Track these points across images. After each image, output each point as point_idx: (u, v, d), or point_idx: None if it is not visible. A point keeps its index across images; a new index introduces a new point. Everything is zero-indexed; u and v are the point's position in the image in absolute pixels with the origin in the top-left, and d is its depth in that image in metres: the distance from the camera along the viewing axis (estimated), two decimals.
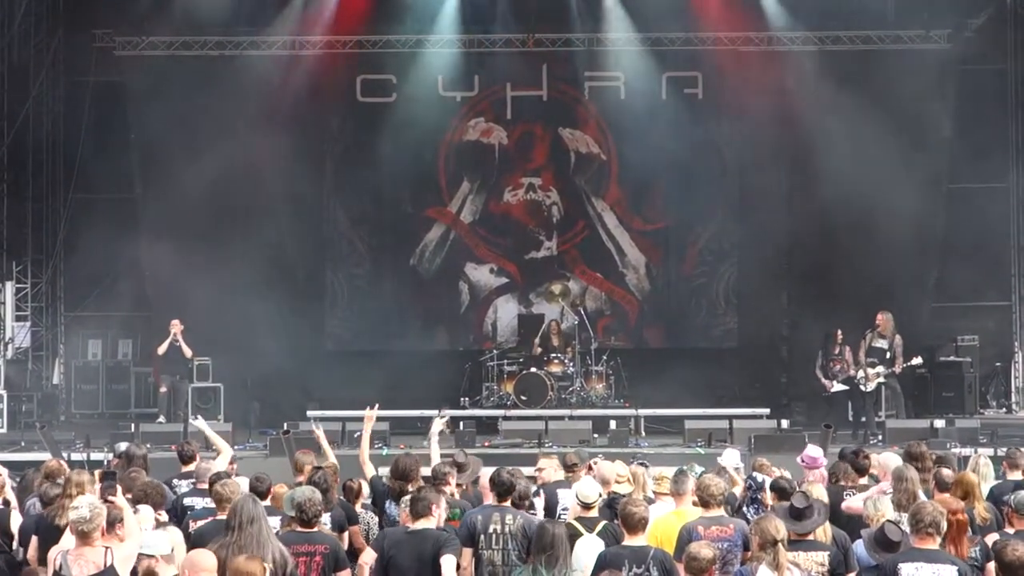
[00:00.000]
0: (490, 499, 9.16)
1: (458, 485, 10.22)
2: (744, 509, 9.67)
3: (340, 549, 8.31)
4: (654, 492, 9.63)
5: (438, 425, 11.38)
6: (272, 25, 20.96)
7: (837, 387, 18.32)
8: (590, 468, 10.58)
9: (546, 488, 10.02)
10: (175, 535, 7.50)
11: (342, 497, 9.90)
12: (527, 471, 10.97)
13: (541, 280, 22.24)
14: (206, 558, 6.92)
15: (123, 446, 12.83)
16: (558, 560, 7.89)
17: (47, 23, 21.47)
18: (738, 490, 10.23)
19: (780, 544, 7.45)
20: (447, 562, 8.14)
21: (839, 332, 18.39)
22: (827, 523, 8.54)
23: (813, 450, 11.01)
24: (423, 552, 8.15)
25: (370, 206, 21.94)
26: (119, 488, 8.68)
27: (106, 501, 7.96)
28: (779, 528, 7.55)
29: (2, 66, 21.08)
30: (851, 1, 20.66)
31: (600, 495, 9.00)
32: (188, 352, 19.13)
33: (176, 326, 18.96)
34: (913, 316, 20.07)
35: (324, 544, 8.06)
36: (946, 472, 9.71)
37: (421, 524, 8.31)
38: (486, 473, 9.82)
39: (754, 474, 10.07)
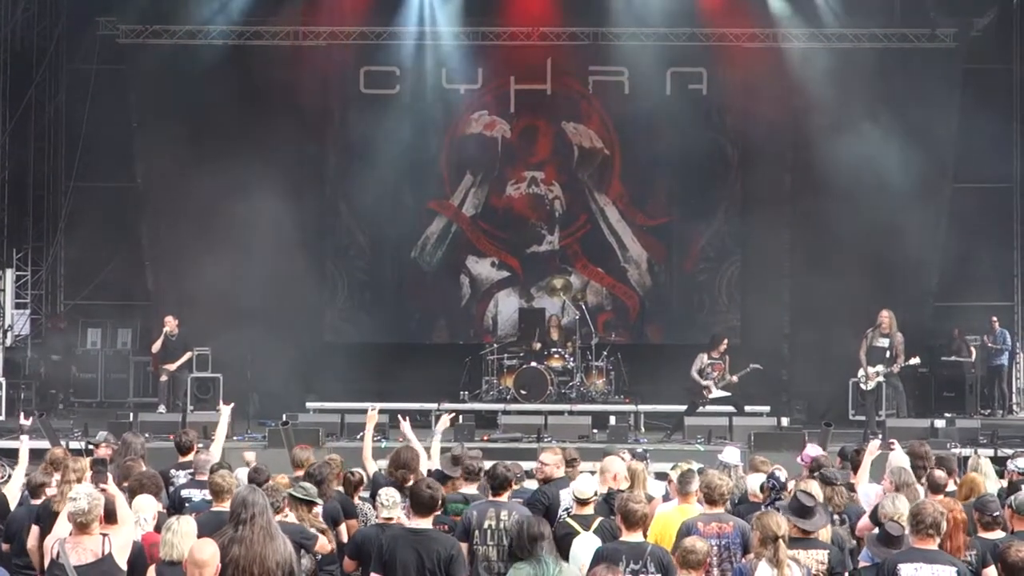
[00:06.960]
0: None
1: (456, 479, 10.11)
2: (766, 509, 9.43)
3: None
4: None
5: (444, 422, 11.28)
6: (276, 16, 20.92)
7: (716, 392, 18.11)
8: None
9: (548, 488, 9.62)
10: (190, 525, 7.43)
11: (340, 489, 9.81)
12: (525, 466, 10.94)
13: (542, 274, 22.20)
14: (206, 548, 6.87)
15: (102, 436, 12.83)
16: (534, 553, 7.73)
17: (51, 11, 21.48)
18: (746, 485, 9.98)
19: (781, 540, 7.42)
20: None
21: (725, 340, 18.41)
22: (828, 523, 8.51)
23: (813, 449, 11.09)
24: (431, 551, 7.89)
25: (372, 198, 21.81)
26: (110, 476, 8.61)
27: (97, 487, 7.90)
28: (780, 524, 7.52)
29: (5, 53, 21.05)
30: None
31: (596, 492, 8.93)
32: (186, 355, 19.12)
33: (170, 323, 18.88)
34: (915, 315, 20.00)
35: None
36: (939, 474, 9.60)
37: (421, 523, 8.16)
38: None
39: (776, 473, 9.80)
